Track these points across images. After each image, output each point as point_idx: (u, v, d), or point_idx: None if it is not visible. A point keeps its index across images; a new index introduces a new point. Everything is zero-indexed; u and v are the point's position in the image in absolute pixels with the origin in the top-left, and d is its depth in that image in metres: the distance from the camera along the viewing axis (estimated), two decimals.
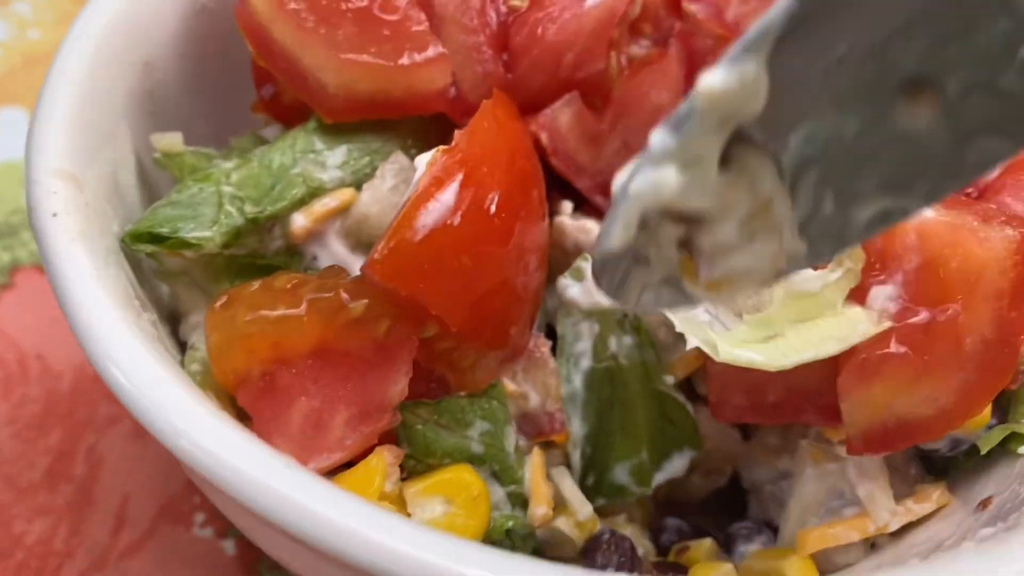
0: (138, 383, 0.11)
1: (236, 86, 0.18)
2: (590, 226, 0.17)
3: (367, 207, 0.16)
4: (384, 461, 0.14)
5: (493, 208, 0.14)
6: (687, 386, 0.18)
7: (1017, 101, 0.11)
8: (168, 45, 0.18)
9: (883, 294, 0.15)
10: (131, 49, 0.17)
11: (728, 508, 0.20)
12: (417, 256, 0.13)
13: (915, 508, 0.17)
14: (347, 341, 0.14)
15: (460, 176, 0.14)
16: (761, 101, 0.11)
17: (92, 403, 0.23)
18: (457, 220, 0.14)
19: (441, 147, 0.14)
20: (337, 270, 0.15)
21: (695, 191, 0.11)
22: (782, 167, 0.12)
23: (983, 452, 0.16)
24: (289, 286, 0.14)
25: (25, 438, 0.22)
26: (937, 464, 0.18)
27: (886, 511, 0.16)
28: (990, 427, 0.16)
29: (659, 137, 0.10)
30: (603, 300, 0.16)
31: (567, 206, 0.18)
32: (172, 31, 0.18)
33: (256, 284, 0.14)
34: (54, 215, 0.13)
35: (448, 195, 0.14)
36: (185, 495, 0.21)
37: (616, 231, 0.11)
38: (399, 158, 0.16)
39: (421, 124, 0.17)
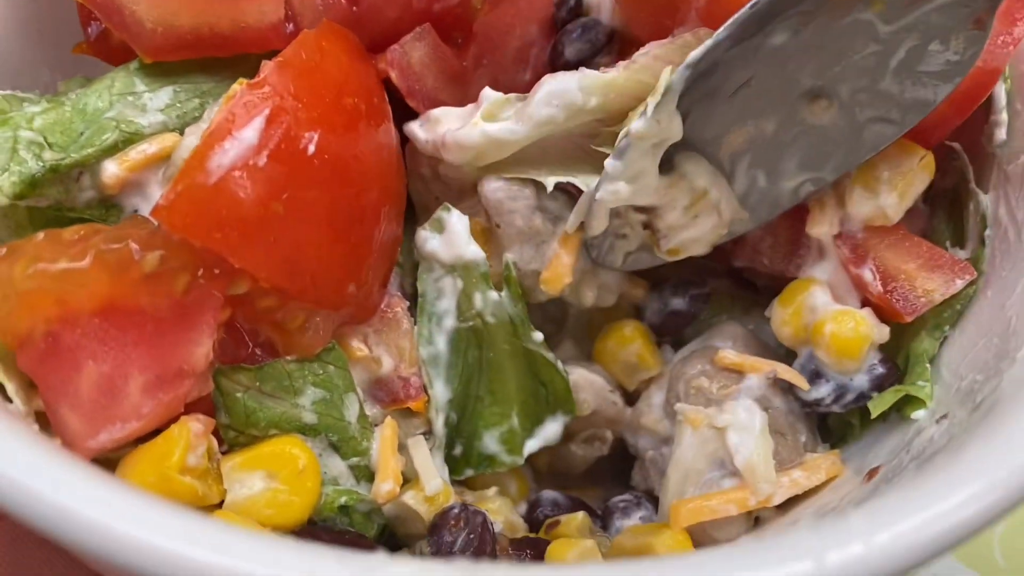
0: None
1: (71, 26, 0.17)
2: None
3: (190, 152, 0.14)
4: (188, 431, 0.12)
5: (312, 148, 0.13)
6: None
7: (895, 99, 0.15)
8: None
9: None
10: None
11: (621, 480, 0.18)
12: (211, 201, 0.12)
13: (801, 480, 0.15)
14: (140, 298, 0.12)
15: (266, 111, 0.12)
16: (678, 132, 0.15)
17: None
18: (263, 160, 0.12)
19: (243, 79, 0.13)
20: (140, 220, 0.13)
21: (641, 195, 0.15)
22: (719, 161, 0.16)
23: (873, 415, 0.15)
24: (76, 237, 0.12)
25: None
26: (835, 432, 0.17)
27: (767, 483, 0.15)
28: (878, 381, 0.15)
29: (610, 163, 0.15)
30: (466, 253, 0.15)
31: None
32: None
33: (41, 235, 0.12)
34: None
35: (250, 132, 0.12)
36: None
37: (595, 223, 0.15)
38: (217, 106, 0.15)
39: (259, 64, 0.15)
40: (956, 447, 0.11)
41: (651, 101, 0.14)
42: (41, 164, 0.13)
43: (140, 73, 0.15)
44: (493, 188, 0.15)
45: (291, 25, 0.15)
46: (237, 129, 0.12)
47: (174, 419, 0.13)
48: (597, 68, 0.15)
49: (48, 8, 0.18)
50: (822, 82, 0.15)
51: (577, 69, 0.15)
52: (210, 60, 0.15)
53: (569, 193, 0.16)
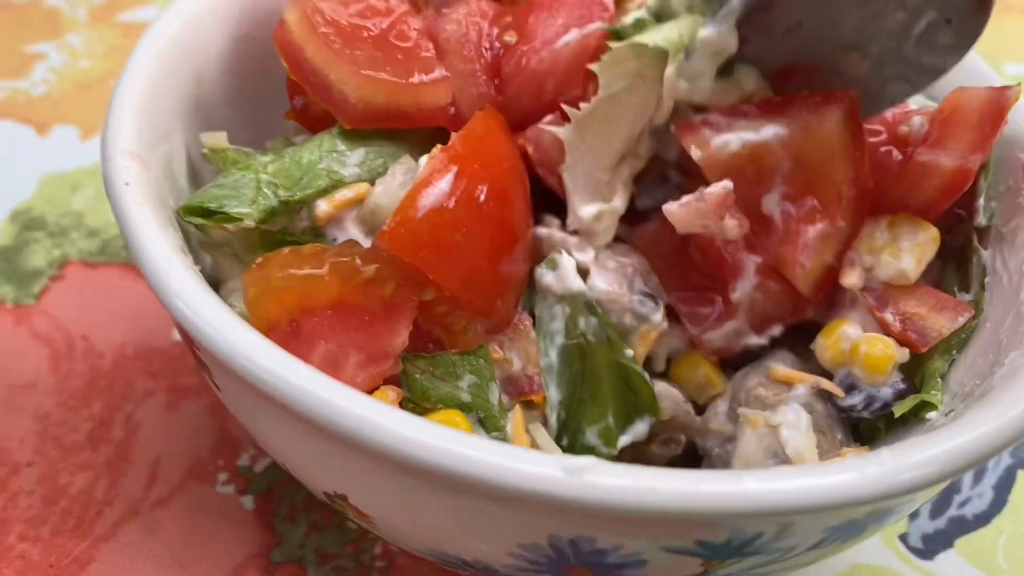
0: (201, 314, 0.14)
1: (272, 99, 0.22)
2: (565, 239, 0.20)
3: (379, 199, 0.19)
4: (387, 396, 0.17)
5: (482, 198, 0.17)
6: (647, 365, 0.21)
7: (913, 63, 0.19)
8: (215, 63, 0.21)
9: None
10: (185, 64, 0.20)
11: None
12: (418, 230, 0.17)
13: None
14: (360, 298, 0.17)
15: (455, 169, 0.17)
16: (734, 46, 0.19)
17: (130, 379, 0.26)
18: (451, 204, 0.17)
19: (440, 145, 0.18)
20: (353, 243, 0.18)
21: (697, 94, 0.19)
22: (766, 71, 0.20)
23: (896, 415, 0.19)
24: (313, 252, 0.17)
25: (70, 406, 0.25)
26: (865, 435, 0.21)
27: None
28: (901, 393, 0.19)
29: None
30: (572, 286, 0.20)
31: (553, 220, 0.21)
32: (219, 51, 0.21)
33: (287, 250, 0.17)
34: (126, 184, 0.16)
35: (444, 183, 0.17)
36: (211, 458, 0.24)
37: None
38: (407, 160, 0.20)
39: (425, 135, 0.20)
40: (954, 421, 0.15)
41: (720, 12, 0.18)
42: (277, 199, 0.18)
43: (340, 136, 0.20)
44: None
45: (453, 108, 0.20)
46: (435, 181, 0.17)
47: (375, 389, 0.17)
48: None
49: (252, 81, 0.23)
50: (858, 38, 0.19)
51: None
52: (392, 130, 0.20)
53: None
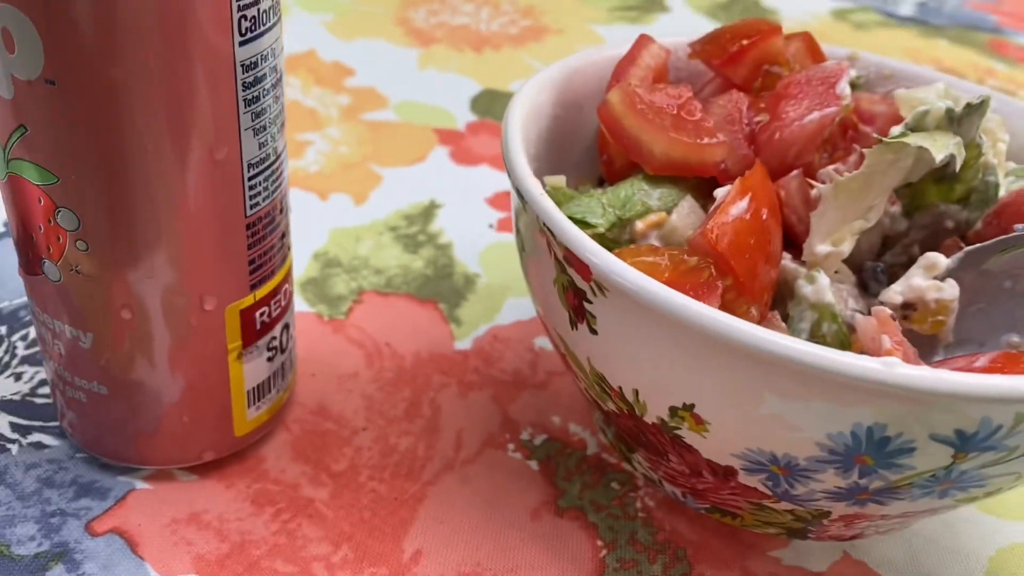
0: (613, 266, 0.22)
1: (582, 155, 0.30)
2: (797, 268, 0.28)
3: (674, 223, 0.27)
4: None
5: (764, 216, 0.25)
6: None
7: None
8: (546, 129, 0.30)
9: None
10: (531, 127, 0.29)
11: None
12: (727, 231, 0.24)
13: None
14: (685, 280, 0.24)
15: (749, 195, 0.25)
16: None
17: (428, 375, 0.33)
18: (747, 216, 0.24)
19: (739, 178, 0.25)
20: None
21: None
22: None
23: None
24: (651, 250, 0.24)
25: (387, 391, 0.32)
26: None
27: None
28: None
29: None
30: (824, 299, 0.27)
31: (785, 253, 0.28)
32: (549, 118, 0.30)
33: (633, 247, 0.25)
34: (540, 195, 0.24)
35: (743, 203, 0.24)
36: (499, 433, 0.31)
37: None
38: (689, 199, 0.27)
39: (698, 182, 0.28)
40: None
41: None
42: (615, 216, 0.26)
43: (644, 180, 0.27)
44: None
45: (723, 164, 0.28)
46: (737, 201, 0.25)
47: None
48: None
49: (568, 140, 0.31)
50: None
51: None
52: (677, 177, 0.28)
53: None
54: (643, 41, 0.30)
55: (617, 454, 0.30)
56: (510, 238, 0.41)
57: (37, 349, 0.32)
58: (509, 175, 0.25)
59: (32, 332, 0.33)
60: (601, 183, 0.31)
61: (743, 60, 0.30)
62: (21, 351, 0.32)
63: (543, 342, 0.35)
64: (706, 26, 0.66)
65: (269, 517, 0.27)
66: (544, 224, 0.23)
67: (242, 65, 0.23)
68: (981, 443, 0.20)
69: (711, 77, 0.32)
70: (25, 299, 0.34)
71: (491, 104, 0.52)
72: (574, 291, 0.24)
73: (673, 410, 0.23)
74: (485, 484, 0.29)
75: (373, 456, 0.30)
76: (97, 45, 0.21)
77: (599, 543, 0.28)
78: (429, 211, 0.42)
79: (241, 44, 0.23)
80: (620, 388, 0.24)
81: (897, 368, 0.19)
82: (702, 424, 0.23)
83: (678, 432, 0.24)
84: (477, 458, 0.30)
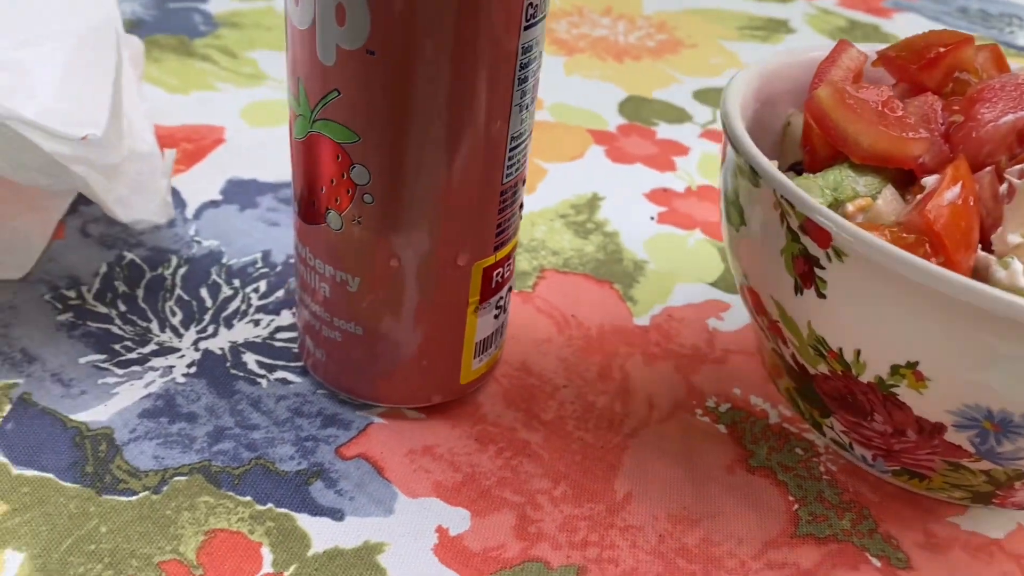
0: (853, 232, 0.24)
1: (771, 146, 0.33)
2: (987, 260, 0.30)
3: (879, 208, 0.29)
4: None
5: (971, 203, 0.27)
6: None
7: None
8: (745, 121, 0.33)
9: None
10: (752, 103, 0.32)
11: None
12: (943, 213, 0.27)
13: None
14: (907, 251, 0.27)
15: (960, 183, 0.27)
16: None
17: (614, 344, 0.36)
18: (959, 201, 0.27)
19: (951, 167, 0.28)
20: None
21: None
22: None
23: None
24: (874, 226, 0.27)
25: (579, 356, 0.35)
26: None
27: None
28: None
29: None
30: (1019, 284, 0.29)
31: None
32: (749, 111, 0.33)
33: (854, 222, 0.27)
34: (777, 171, 0.27)
35: (956, 189, 0.27)
36: (686, 399, 0.34)
37: None
38: (890, 187, 0.30)
39: (899, 172, 0.30)
40: None
41: None
42: (832, 197, 0.29)
43: (849, 167, 0.30)
44: None
45: (922, 158, 0.31)
46: (950, 187, 0.27)
47: None
48: None
49: (769, 133, 0.34)
50: None
51: None
52: (878, 167, 0.30)
53: None
54: (843, 46, 0.33)
55: (804, 420, 0.33)
56: (672, 230, 0.44)
57: (269, 300, 0.36)
58: (740, 155, 0.28)
59: (263, 285, 0.37)
60: (796, 171, 0.34)
61: (938, 65, 0.32)
62: (255, 301, 0.36)
63: (716, 323, 0.38)
64: (828, 46, 0.68)
65: (493, 454, 0.30)
66: (782, 196, 0.26)
67: (522, 47, 0.26)
68: None
69: (892, 84, 0.35)
70: (251, 257, 0.38)
71: (638, 109, 0.55)
72: (805, 258, 0.26)
73: (895, 368, 0.26)
74: (679, 441, 0.32)
75: (576, 409, 0.33)
76: (414, 21, 0.24)
77: (791, 498, 0.30)
78: (593, 203, 0.45)
79: (525, 28, 0.26)
80: (840, 349, 0.27)
81: None
82: (922, 381, 0.25)
83: (894, 390, 0.26)
84: (670, 419, 0.33)
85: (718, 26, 0.69)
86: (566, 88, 0.57)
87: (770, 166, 0.27)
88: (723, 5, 0.74)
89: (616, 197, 0.46)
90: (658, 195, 0.47)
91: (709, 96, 0.58)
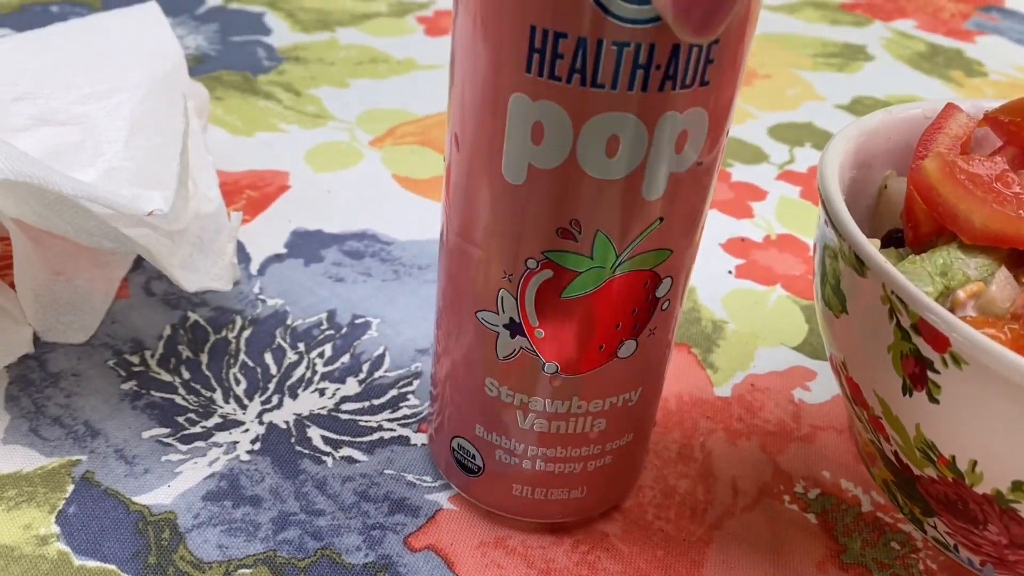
0: (967, 334, 0.22)
1: (864, 212, 0.31)
2: None
3: (993, 293, 0.27)
4: None
5: None
6: None
7: None
8: (845, 178, 0.30)
9: None
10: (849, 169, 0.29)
11: None
12: None
13: None
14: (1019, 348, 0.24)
15: None
16: None
17: (694, 419, 0.34)
18: None
19: None
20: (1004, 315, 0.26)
21: None
22: None
23: None
24: (987, 322, 0.25)
25: (658, 432, 0.33)
26: None
27: None
28: None
29: None
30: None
31: None
32: (844, 176, 0.31)
33: (971, 318, 0.25)
34: (886, 263, 0.25)
35: None
36: (774, 483, 0.32)
37: None
38: (1004, 270, 0.28)
39: (1014, 252, 0.28)
40: None
41: None
42: (943, 284, 0.26)
43: (958, 248, 0.28)
44: None
45: None
46: None
47: None
48: None
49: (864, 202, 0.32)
50: None
51: None
52: (989, 247, 0.28)
53: None
54: (950, 110, 0.31)
55: (902, 514, 0.30)
56: (750, 285, 0.42)
57: (335, 367, 0.35)
58: (844, 240, 0.26)
59: (328, 349, 0.35)
60: (895, 244, 0.32)
61: None
62: (320, 368, 0.35)
63: (802, 394, 0.36)
64: (911, 75, 0.65)
65: (569, 547, 0.29)
66: (894, 293, 0.24)
67: None
68: None
69: (1000, 146, 0.33)
70: (316, 318, 0.37)
71: None
72: (916, 359, 0.24)
73: (1017, 484, 0.23)
74: (766, 533, 0.30)
75: (656, 495, 0.31)
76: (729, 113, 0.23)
77: None
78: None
79: None
80: (952, 457, 0.24)
81: None
82: None
83: (1015, 506, 0.24)
84: (755, 506, 0.31)
85: (791, 53, 0.67)
86: None
87: (879, 257, 0.25)
88: (796, 30, 0.72)
89: None
90: (735, 245, 0.45)
91: (786, 133, 0.55)
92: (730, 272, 0.43)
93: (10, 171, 0.28)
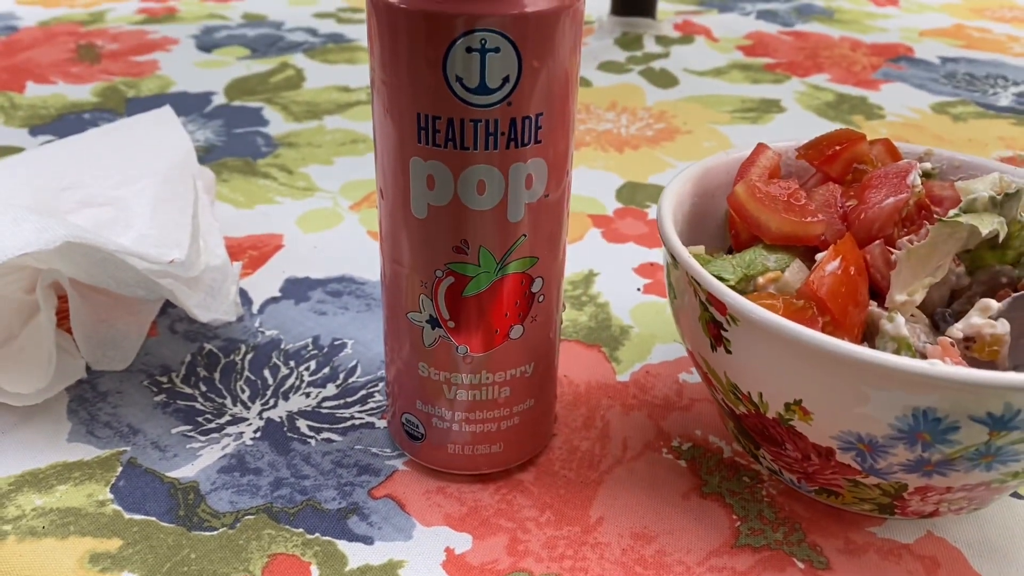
0: (740, 304, 0.32)
1: (714, 230, 0.41)
2: (880, 312, 0.37)
3: (787, 278, 0.37)
4: None
5: (852, 272, 0.35)
6: None
7: None
8: (687, 212, 0.40)
9: None
10: (677, 211, 0.40)
11: None
12: (824, 282, 0.34)
13: None
14: (795, 316, 0.34)
15: (840, 257, 0.35)
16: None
17: (597, 399, 0.44)
18: (839, 271, 0.34)
19: (832, 245, 0.35)
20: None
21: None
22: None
23: None
24: (769, 295, 0.34)
25: (567, 409, 0.43)
26: None
27: None
28: None
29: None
30: (900, 333, 0.36)
31: (872, 301, 0.37)
32: (689, 204, 0.41)
33: (756, 294, 0.35)
34: (689, 257, 0.35)
35: (836, 262, 0.34)
36: (655, 441, 0.41)
37: None
38: (798, 262, 0.37)
39: (807, 249, 0.38)
40: None
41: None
42: (742, 273, 0.36)
43: (763, 248, 0.38)
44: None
45: (823, 236, 0.38)
46: (831, 260, 0.35)
47: None
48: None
49: (702, 220, 0.42)
50: None
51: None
52: (789, 245, 0.38)
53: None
54: (760, 148, 0.41)
55: (747, 454, 0.40)
56: (654, 299, 0.52)
57: (317, 376, 0.45)
58: (665, 245, 0.36)
59: (312, 364, 0.46)
60: (730, 251, 0.42)
61: (837, 160, 0.40)
62: (306, 377, 0.45)
63: (686, 376, 0.45)
64: (816, 122, 0.76)
65: (492, 491, 0.38)
66: (692, 277, 0.34)
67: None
68: (1008, 423, 0.29)
69: (814, 172, 0.43)
70: (303, 342, 0.47)
71: (633, 194, 0.63)
72: (714, 323, 0.34)
73: (787, 405, 0.33)
74: (647, 475, 0.39)
75: (563, 453, 0.40)
76: (567, 164, 0.33)
77: (734, 517, 0.37)
78: (589, 278, 0.54)
79: None
80: (749, 393, 0.34)
81: (938, 366, 0.29)
82: (808, 415, 0.32)
83: (791, 423, 0.33)
84: (640, 457, 0.40)
85: (712, 111, 0.78)
86: (573, 178, 0.65)
87: (684, 252, 0.35)
88: (721, 91, 0.83)
89: (609, 272, 0.54)
90: (645, 269, 0.55)
91: None
92: (639, 290, 0.53)
93: (70, 235, 0.38)
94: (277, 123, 0.74)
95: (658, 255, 0.56)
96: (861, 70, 0.90)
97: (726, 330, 0.34)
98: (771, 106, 0.79)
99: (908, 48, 0.97)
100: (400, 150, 0.32)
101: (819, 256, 0.36)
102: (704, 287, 0.33)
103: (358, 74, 0.85)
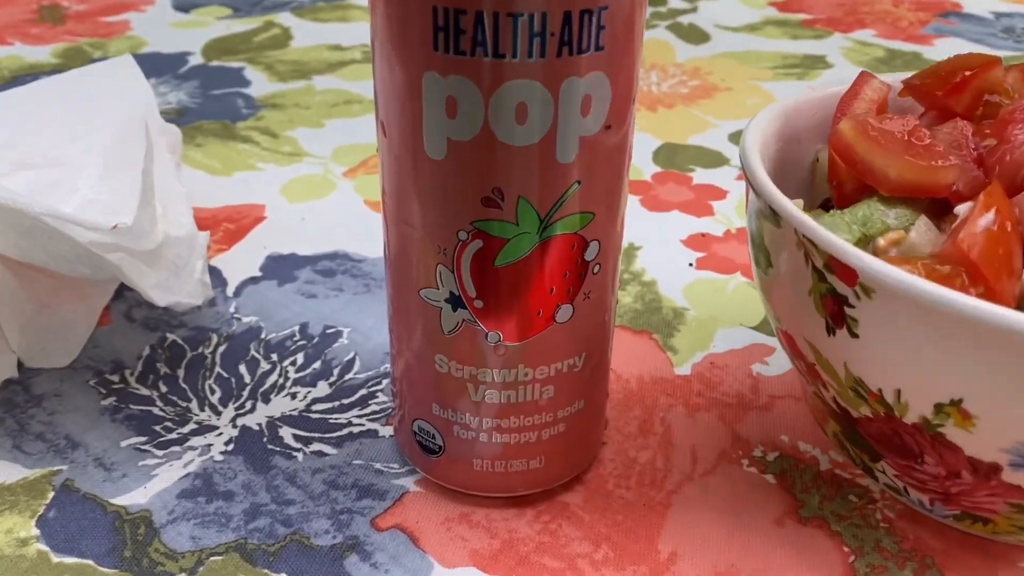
0: (889, 271, 0.23)
1: (799, 183, 0.32)
2: None
3: (913, 240, 0.28)
4: None
5: (1008, 228, 0.26)
6: None
7: None
8: (768, 160, 0.32)
9: None
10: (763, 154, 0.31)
11: None
12: (978, 241, 0.25)
13: None
14: (942, 283, 0.25)
15: (994, 209, 0.26)
16: None
17: (654, 396, 0.35)
18: (995, 228, 0.26)
19: (983, 194, 0.27)
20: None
21: None
22: None
23: None
24: (906, 259, 0.26)
25: (619, 411, 0.34)
26: None
27: None
28: None
29: None
30: None
31: None
32: (772, 150, 0.32)
33: (884, 258, 0.26)
34: (798, 211, 0.26)
35: (990, 216, 0.26)
36: (732, 449, 0.33)
37: None
38: (924, 218, 0.29)
39: (932, 202, 0.29)
40: None
41: None
42: (861, 232, 0.28)
43: (880, 201, 0.29)
44: None
45: (955, 186, 0.29)
46: (983, 214, 0.26)
47: None
48: None
49: (792, 168, 0.33)
50: None
51: None
52: (911, 198, 0.29)
53: None
54: (864, 77, 0.33)
55: (856, 465, 0.31)
56: (711, 275, 0.43)
57: (306, 372, 0.36)
58: (760, 196, 0.27)
59: (300, 358, 0.37)
60: (824, 207, 0.33)
61: (965, 89, 0.31)
62: (292, 374, 0.36)
63: (760, 368, 0.37)
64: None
65: (531, 518, 0.30)
66: (804, 236, 0.25)
67: None
68: None
69: (921, 113, 0.34)
70: (289, 331, 0.39)
71: (672, 156, 0.55)
72: (834, 298, 0.25)
73: (939, 407, 0.24)
74: (726, 494, 0.31)
75: (617, 467, 0.32)
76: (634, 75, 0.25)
77: (846, 549, 0.29)
78: (629, 253, 0.45)
79: None
80: (880, 390, 0.25)
81: None
82: (969, 419, 0.24)
83: (941, 430, 0.25)
84: (715, 471, 0.32)
85: (752, 68, 0.69)
86: None
87: (790, 205, 0.26)
88: (757, 47, 0.74)
89: (653, 245, 0.45)
90: (696, 240, 0.46)
91: None
92: (691, 265, 0.44)
93: None
94: (260, 83, 0.65)
95: (707, 224, 0.47)
96: (908, 25, 0.81)
97: (852, 306, 0.25)
98: (816, 62, 0.70)
99: (955, 3, 0.89)
100: (409, 63, 0.24)
101: (961, 209, 0.27)
102: (824, 248, 0.25)
103: (352, 32, 0.76)
